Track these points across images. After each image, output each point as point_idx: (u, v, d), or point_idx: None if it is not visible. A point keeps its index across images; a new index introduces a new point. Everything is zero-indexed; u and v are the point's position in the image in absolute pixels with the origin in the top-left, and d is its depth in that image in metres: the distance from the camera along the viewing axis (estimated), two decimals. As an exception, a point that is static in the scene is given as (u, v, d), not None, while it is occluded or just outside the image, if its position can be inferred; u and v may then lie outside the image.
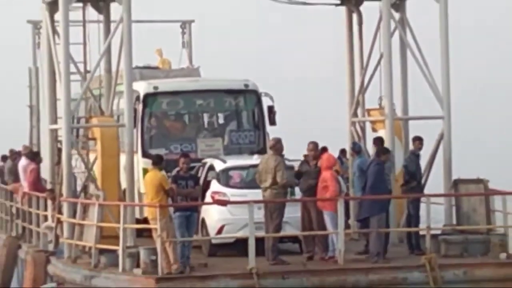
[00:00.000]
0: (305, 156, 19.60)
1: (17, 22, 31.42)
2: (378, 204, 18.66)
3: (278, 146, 18.56)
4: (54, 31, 21.74)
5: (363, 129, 23.52)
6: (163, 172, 18.35)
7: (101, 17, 22.13)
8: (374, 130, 22.80)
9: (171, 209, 17.60)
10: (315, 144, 19.28)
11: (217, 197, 19.23)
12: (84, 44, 21.47)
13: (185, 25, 31.51)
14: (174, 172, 18.88)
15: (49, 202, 21.92)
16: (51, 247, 21.01)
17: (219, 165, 20.56)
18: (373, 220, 18.47)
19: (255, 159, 20.51)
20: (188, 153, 20.67)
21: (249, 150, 22.98)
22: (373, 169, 19.18)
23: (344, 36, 24.23)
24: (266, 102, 24.32)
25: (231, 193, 19.28)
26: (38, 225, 23.23)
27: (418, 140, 20.56)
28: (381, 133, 21.79)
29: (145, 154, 21.61)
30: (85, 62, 21.48)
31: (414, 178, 20.00)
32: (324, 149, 20.81)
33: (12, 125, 31.89)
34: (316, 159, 18.93)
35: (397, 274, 17.20)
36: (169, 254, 16.14)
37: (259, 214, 17.75)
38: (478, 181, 20.49)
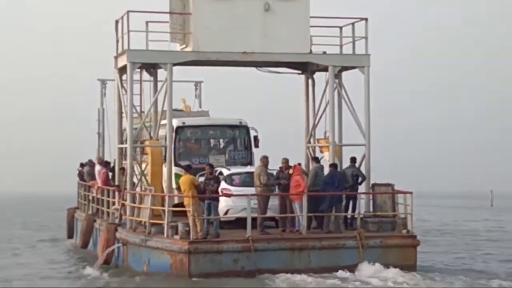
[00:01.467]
0: (280, 167, 20.01)
1: (90, 80, 32.36)
2: (337, 197, 19.68)
3: (264, 160, 19.51)
4: (122, 86, 22.05)
5: (314, 151, 23.07)
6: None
7: (148, 77, 23.01)
8: (321, 152, 22.79)
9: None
10: (286, 160, 19.97)
11: (224, 191, 19.82)
12: (140, 94, 22.85)
13: (197, 84, 31.68)
14: (198, 175, 19.84)
15: (116, 193, 22.20)
16: (117, 221, 21.49)
17: (225, 172, 21.18)
18: (336, 207, 19.53)
19: (248, 169, 21.60)
20: (209, 164, 20.78)
21: (241, 163, 23.62)
22: (336, 176, 20.04)
23: (303, 92, 24.07)
24: (253, 133, 24.61)
25: (234, 189, 20.05)
26: (108, 207, 23.16)
27: (355, 159, 21.77)
28: (326, 154, 22.05)
29: (176, 164, 22.04)
30: (140, 106, 22.76)
31: (359, 183, 21.29)
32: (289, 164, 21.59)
33: (84, 145, 32.49)
34: (287, 169, 19.71)
35: (339, 241, 18.65)
36: (197, 226, 17.22)
37: (251, 203, 18.64)
38: (388, 185, 21.05)
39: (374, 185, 21.24)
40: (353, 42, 22.06)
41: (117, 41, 22.32)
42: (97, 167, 26.57)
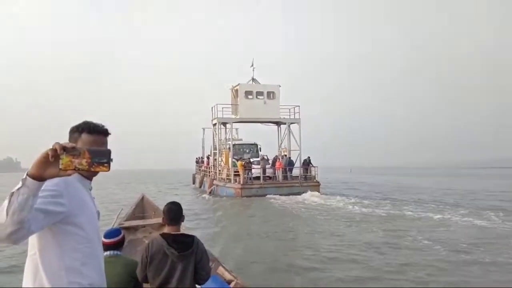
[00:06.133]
0: (273, 158, 23.33)
1: (197, 128, 31.93)
2: (289, 168, 22.29)
3: (263, 157, 23.29)
4: (214, 130, 25.11)
5: (280, 152, 24.61)
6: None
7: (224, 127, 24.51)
8: (283, 152, 24.45)
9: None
10: (276, 156, 23.68)
11: (252, 166, 21.90)
12: (220, 135, 24.49)
13: (237, 129, 30.55)
14: (242, 161, 21.28)
15: (212, 168, 24.90)
16: (214, 177, 23.63)
17: (252, 160, 23.26)
18: (290, 172, 21.91)
19: (257, 159, 23.70)
20: (246, 158, 23.56)
21: (255, 157, 24.86)
22: (290, 161, 22.76)
23: (276, 133, 25.88)
24: (259, 146, 26.89)
25: (254, 166, 22.22)
26: (209, 173, 25.63)
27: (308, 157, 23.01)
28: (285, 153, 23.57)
29: (233, 157, 23.35)
30: (220, 139, 24.54)
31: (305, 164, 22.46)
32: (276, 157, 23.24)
33: (196, 151, 34.27)
34: (275, 159, 22.81)
35: (293, 184, 21.70)
36: (242, 179, 20.10)
37: (260, 171, 21.36)
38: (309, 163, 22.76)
39: (304, 163, 22.98)
40: (294, 113, 24.45)
41: (212, 114, 25.09)
42: (205, 159, 29.86)
